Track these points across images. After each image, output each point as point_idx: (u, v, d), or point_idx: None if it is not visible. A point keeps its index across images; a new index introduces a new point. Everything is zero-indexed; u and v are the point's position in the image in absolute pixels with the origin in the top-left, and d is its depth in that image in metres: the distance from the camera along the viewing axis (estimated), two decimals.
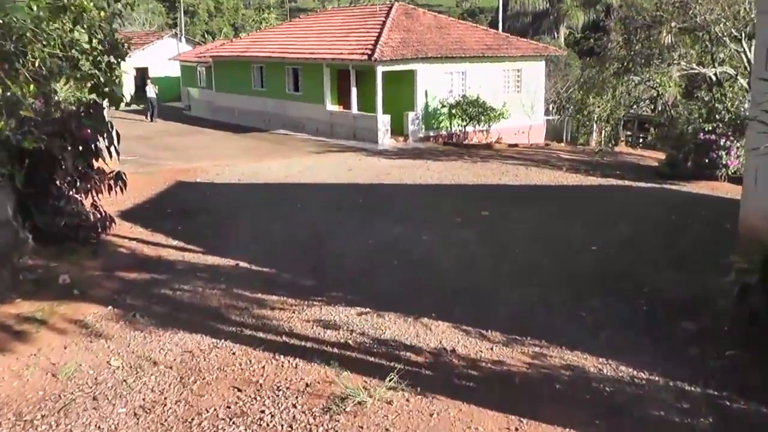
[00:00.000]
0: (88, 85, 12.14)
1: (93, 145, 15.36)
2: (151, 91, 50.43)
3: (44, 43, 9.83)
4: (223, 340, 10.15)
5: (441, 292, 12.52)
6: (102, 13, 10.77)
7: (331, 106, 40.22)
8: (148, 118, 49.66)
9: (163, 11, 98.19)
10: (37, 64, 9.84)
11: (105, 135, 15.18)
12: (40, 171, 14.60)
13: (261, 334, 10.39)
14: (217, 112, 50.15)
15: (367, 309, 11.36)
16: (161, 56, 63.36)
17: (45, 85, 11.30)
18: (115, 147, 15.44)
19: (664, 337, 10.36)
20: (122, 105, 53.44)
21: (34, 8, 8.77)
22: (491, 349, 9.89)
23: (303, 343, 10.07)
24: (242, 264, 14.25)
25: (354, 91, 37.89)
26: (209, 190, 23.30)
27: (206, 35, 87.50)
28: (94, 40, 11.54)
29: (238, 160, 30.04)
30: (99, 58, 11.57)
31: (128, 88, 63.85)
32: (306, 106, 41.51)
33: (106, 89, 12.33)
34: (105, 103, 27.42)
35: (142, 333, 10.48)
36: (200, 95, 55.13)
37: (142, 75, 63.58)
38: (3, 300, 11.62)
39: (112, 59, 12.08)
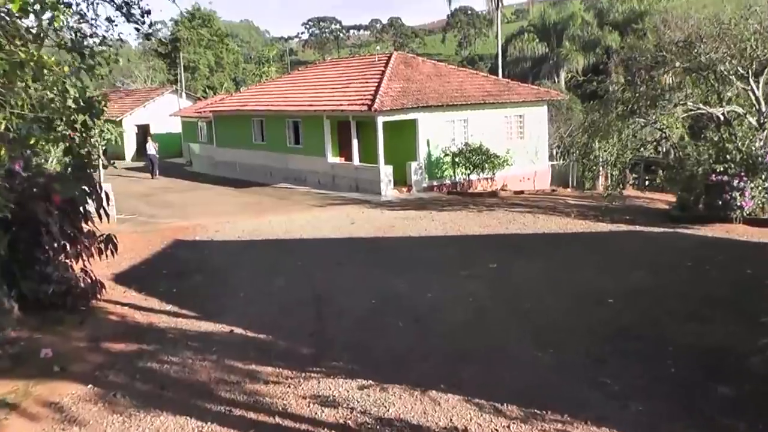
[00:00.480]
0: (61, 146, 11.16)
1: (81, 208, 14.61)
2: (151, 148, 49.97)
3: (11, 103, 8.93)
4: (209, 423, 9.02)
5: (449, 357, 11.41)
6: (66, 68, 9.75)
7: (333, 158, 39.55)
8: (150, 174, 49.13)
9: (164, 68, 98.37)
10: (3, 127, 8.92)
11: (93, 197, 14.42)
12: (25, 236, 13.73)
13: (252, 415, 9.26)
14: (218, 167, 49.55)
15: (370, 381, 10.20)
16: (162, 113, 63.09)
17: (16, 148, 10.34)
18: (104, 209, 14.69)
19: (700, 405, 9.20)
20: (126, 161, 53.51)
21: None
22: (508, 427, 8.74)
23: (297, 425, 8.94)
24: (237, 330, 13.21)
25: (355, 142, 37.25)
26: (208, 248, 22.36)
27: (207, 90, 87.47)
28: (68, 99, 10.55)
29: (239, 216, 29.19)
30: (73, 117, 10.54)
31: (130, 145, 63.58)
32: (307, 159, 40.86)
33: (83, 150, 11.37)
34: (102, 161, 26.69)
35: (120, 417, 9.37)
36: (201, 150, 54.56)
37: (143, 132, 63.21)
38: None
39: (87, 118, 11.07)
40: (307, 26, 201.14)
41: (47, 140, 9.50)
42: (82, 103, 10.63)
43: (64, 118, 10.27)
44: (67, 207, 14.48)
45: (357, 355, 11.54)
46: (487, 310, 14.17)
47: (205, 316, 14.20)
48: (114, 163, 15.59)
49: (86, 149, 11.67)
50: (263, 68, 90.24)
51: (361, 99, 36.12)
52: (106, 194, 14.85)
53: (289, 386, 10.18)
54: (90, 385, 10.49)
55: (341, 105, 37.23)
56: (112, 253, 15.07)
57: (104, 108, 11.94)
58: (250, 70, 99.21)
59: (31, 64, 8.44)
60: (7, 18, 8.66)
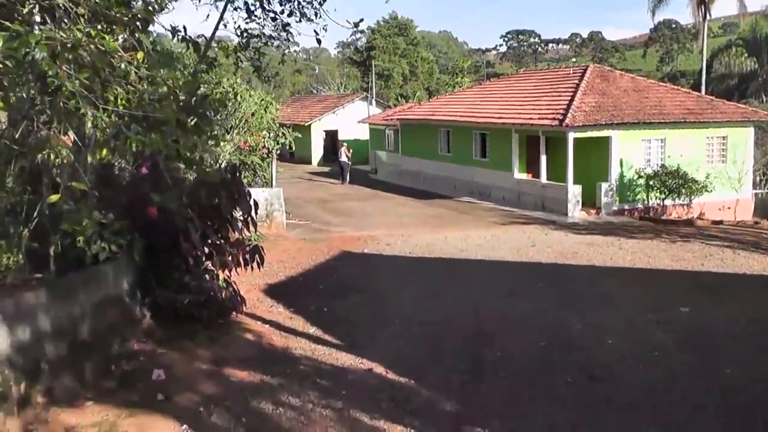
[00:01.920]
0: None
1: (228, 215, 13.32)
2: (343, 155, 49.12)
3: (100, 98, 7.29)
4: None
5: None
6: (140, 55, 7.75)
7: (519, 174, 37.35)
8: (340, 180, 48.42)
9: (358, 75, 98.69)
10: (89, 125, 7.30)
11: (242, 203, 13.12)
12: (163, 242, 12.44)
13: None
14: (403, 177, 48.29)
15: None
16: (351, 119, 62.77)
17: (120, 149, 8.75)
18: (252, 218, 13.31)
19: None
20: (312, 166, 53.62)
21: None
22: None
23: None
24: (378, 368, 11.27)
25: (543, 158, 34.99)
26: (374, 263, 20.82)
27: (400, 99, 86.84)
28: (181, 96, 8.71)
29: (415, 230, 27.63)
30: (180, 117, 8.64)
31: (317, 150, 63.69)
32: (493, 174, 38.87)
33: (193, 155, 9.61)
34: (274, 162, 25.58)
35: None
36: (387, 159, 53.51)
37: (331, 138, 63.16)
38: (73, 401, 9.08)
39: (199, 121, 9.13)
40: (506, 39, 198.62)
41: (143, 143, 7.73)
42: (193, 102, 8.83)
43: (169, 119, 8.40)
44: (212, 213, 13.26)
45: (510, 423, 9.32)
46: (679, 369, 11.57)
47: (348, 346, 12.44)
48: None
49: (198, 155, 9.93)
50: (457, 79, 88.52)
51: (553, 113, 33.88)
52: (255, 203, 13.48)
53: None
54: (185, 426, 8.77)
55: (531, 119, 35.09)
56: (258, 265, 13.63)
57: (222, 108, 10.25)
58: (444, 80, 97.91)
59: (91, 47, 6.63)
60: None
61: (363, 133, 61.30)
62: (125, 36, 7.21)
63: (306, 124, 62.23)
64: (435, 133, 44.92)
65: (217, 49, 14.24)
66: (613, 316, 14.91)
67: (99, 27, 7.07)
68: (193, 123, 8.90)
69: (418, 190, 43.53)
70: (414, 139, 48.07)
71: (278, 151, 28.45)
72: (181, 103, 8.42)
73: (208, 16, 15.04)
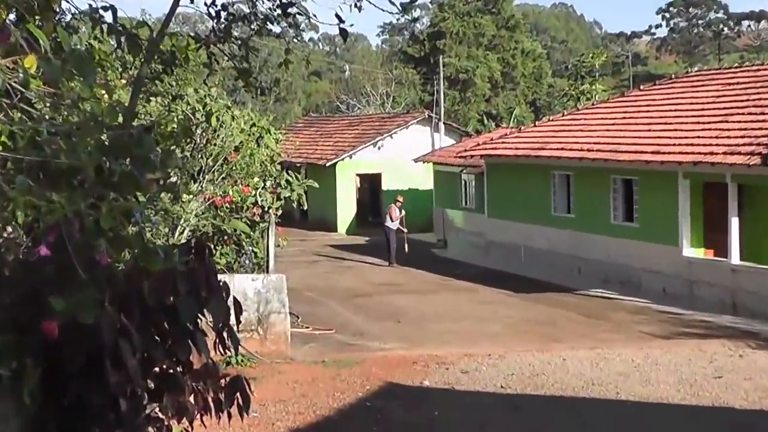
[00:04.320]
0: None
1: (190, 324, 13.11)
2: (389, 219, 48.74)
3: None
4: None
5: None
6: (29, 60, 7.29)
7: (691, 250, 37.10)
8: (387, 259, 48.46)
9: (416, 80, 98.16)
10: None
11: (213, 304, 12.88)
12: (79, 371, 12.29)
13: None
14: (490, 253, 48.70)
15: None
16: (405, 155, 61.98)
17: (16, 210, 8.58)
18: (231, 332, 13.08)
19: None
20: (338, 233, 53.94)
21: None
22: None
23: None
24: None
25: (734, 222, 34.66)
26: (440, 406, 20.80)
27: (486, 120, 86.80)
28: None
29: (510, 346, 27.77)
30: (102, 163, 8.21)
31: (346, 207, 63.56)
32: (645, 248, 38.95)
33: (130, 227, 9.32)
34: (272, 229, 25.81)
35: None
36: (464, 222, 53.80)
37: (371, 186, 62.94)
38: None
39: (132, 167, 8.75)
40: (667, 16, 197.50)
41: (36, 208, 7.44)
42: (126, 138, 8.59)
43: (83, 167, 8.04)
44: (162, 321, 13.10)
45: None
46: None
47: None
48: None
49: (135, 224, 9.65)
50: (583, 85, 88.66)
51: (749, 143, 33.62)
52: (237, 302, 13.25)
53: None
54: None
55: (712, 153, 34.79)
56: (240, 409, 13.44)
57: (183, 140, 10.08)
58: (561, 86, 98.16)
59: None
60: None
61: (423, 180, 61.26)
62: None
63: (328, 164, 62.54)
64: (545, 180, 45.32)
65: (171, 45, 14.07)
66: None
67: None
68: (125, 173, 8.61)
69: (516, 277, 43.98)
70: (509, 189, 48.46)
71: (279, 211, 28.48)
72: (104, 140, 8.16)
73: None
